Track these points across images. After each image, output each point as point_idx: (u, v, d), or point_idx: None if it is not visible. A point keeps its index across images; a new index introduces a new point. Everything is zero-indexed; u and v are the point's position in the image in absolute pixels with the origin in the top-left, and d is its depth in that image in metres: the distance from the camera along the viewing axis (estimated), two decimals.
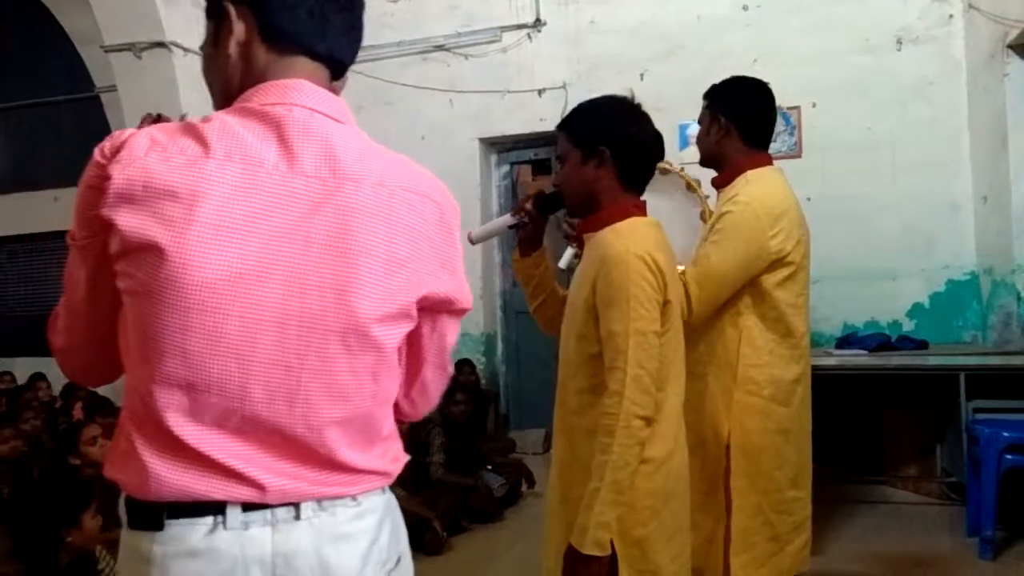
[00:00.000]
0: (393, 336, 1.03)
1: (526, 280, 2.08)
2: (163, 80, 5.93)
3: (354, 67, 1.17)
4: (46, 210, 7.62)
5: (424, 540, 3.65)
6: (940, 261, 4.96)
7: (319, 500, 1.03)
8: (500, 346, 5.87)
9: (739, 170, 2.19)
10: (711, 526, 2.09)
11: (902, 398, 4.52)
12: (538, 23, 5.83)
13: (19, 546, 2.37)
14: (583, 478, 1.66)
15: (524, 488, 4.70)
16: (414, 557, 1.20)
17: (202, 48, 1.12)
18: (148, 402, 0.96)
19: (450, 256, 1.10)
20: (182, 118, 1.05)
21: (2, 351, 7.63)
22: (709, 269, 2.05)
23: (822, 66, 5.10)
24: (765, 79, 2.30)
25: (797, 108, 5.18)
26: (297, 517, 1.01)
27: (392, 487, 1.14)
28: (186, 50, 5.99)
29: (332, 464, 1.03)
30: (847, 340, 4.76)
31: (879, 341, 4.51)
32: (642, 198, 1.84)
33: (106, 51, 6.01)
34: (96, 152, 0.98)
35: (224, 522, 0.98)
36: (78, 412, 4.99)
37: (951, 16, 4.97)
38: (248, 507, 0.99)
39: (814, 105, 5.16)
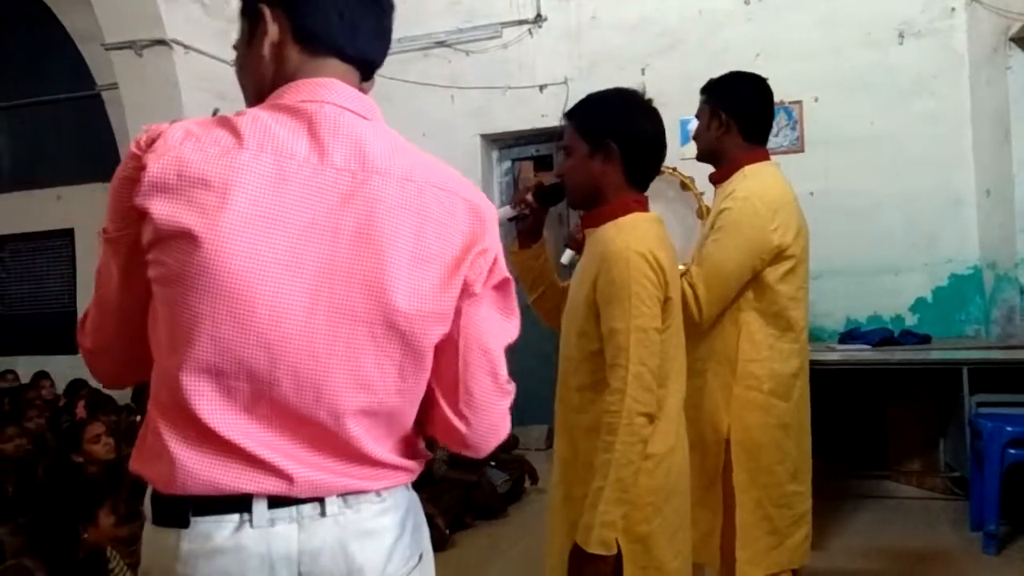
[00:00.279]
0: (422, 331, 1.02)
1: (525, 272, 2.07)
2: (164, 78, 5.93)
3: None
4: (48, 209, 7.64)
5: None
6: (943, 255, 4.95)
7: (344, 496, 1.03)
8: None
9: (737, 166, 2.19)
10: (710, 521, 2.10)
11: (905, 393, 4.52)
12: (539, 19, 5.83)
13: (36, 542, 2.39)
14: (585, 475, 1.66)
15: (527, 484, 4.72)
16: None
17: (235, 47, 1.14)
18: (176, 391, 0.97)
19: (483, 237, 1.08)
20: (214, 113, 1.08)
21: (5, 350, 7.64)
22: (714, 268, 2.05)
23: (824, 61, 5.09)
24: (767, 74, 2.29)
25: (799, 103, 5.17)
26: (323, 514, 1.02)
27: None
28: (187, 48, 5.99)
29: (358, 456, 1.03)
30: (850, 335, 4.76)
31: (882, 336, 4.50)
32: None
33: (107, 49, 6.01)
34: (132, 145, 1.00)
35: (251, 520, 0.99)
36: (81, 410, 5.00)
37: (953, 9, 4.96)
38: (274, 503, 1.00)
39: (816, 100, 5.16)
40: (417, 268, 1.01)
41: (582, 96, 1.87)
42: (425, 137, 5.49)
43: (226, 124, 0.99)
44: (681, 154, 4.53)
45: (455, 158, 5.97)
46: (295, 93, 1.04)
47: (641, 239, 1.68)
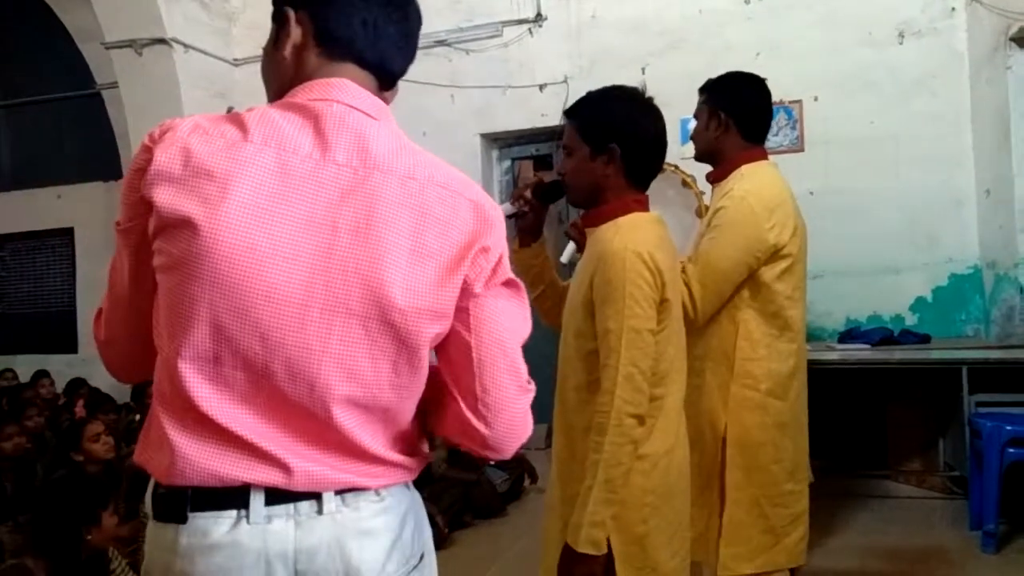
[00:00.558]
0: (416, 327, 1.02)
1: (525, 270, 2.06)
2: (164, 76, 5.93)
3: None
4: (48, 207, 7.63)
5: None
6: (943, 255, 4.95)
7: (342, 493, 1.04)
8: None
9: (735, 165, 2.19)
10: (706, 519, 2.10)
11: (905, 392, 4.52)
12: (539, 18, 5.82)
13: (39, 542, 2.40)
14: (582, 475, 1.66)
15: (527, 483, 4.72)
16: None
17: (264, 49, 1.16)
18: (175, 378, 0.99)
19: (487, 235, 1.07)
20: (229, 110, 1.09)
21: (4, 348, 7.64)
22: (709, 266, 2.06)
23: (824, 60, 5.09)
24: (767, 73, 2.29)
25: (799, 102, 5.17)
26: (320, 512, 1.03)
27: None
28: (187, 46, 5.99)
29: (355, 451, 1.04)
30: (850, 334, 4.76)
31: (882, 335, 4.50)
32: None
33: (107, 48, 6.01)
34: (146, 137, 1.02)
35: (247, 516, 1.00)
36: (80, 409, 5.00)
37: (953, 9, 4.96)
38: (271, 499, 1.00)
39: (816, 99, 5.15)
40: (415, 264, 1.01)
41: (581, 96, 1.86)
42: (425, 136, 5.49)
43: (235, 119, 1.02)
44: (681, 153, 4.52)
45: (455, 157, 5.93)
46: (308, 92, 1.06)
47: (639, 240, 1.68)
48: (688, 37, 5.42)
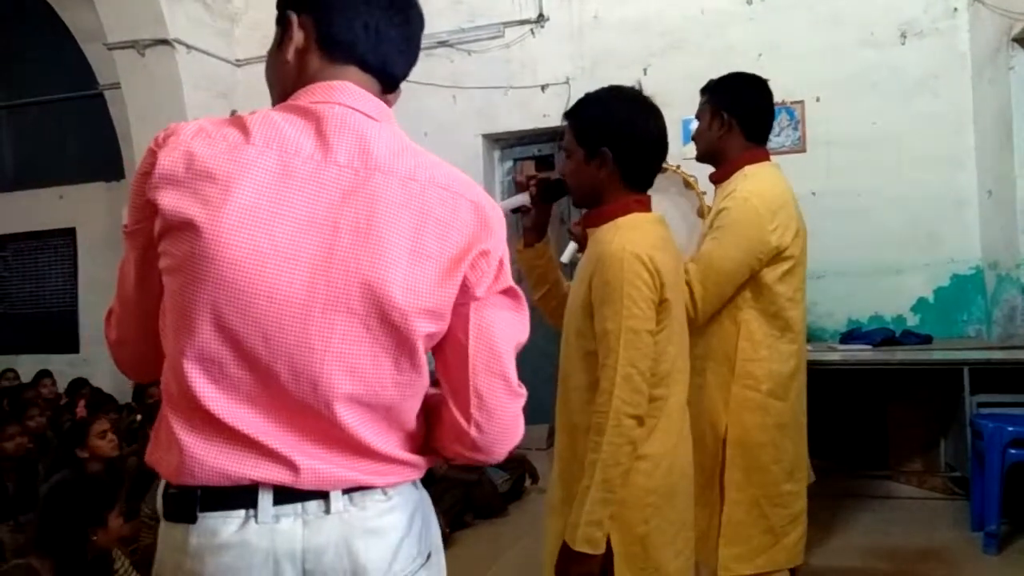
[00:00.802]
0: (417, 327, 1.03)
1: (529, 270, 2.07)
2: (167, 77, 5.94)
3: None
4: (50, 208, 7.65)
5: None
6: (945, 256, 4.95)
7: (350, 492, 1.05)
8: None
9: (737, 166, 2.20)
10: (707, 519, 2.10)
11: (906, 393, 4.51)
12: (541, 18, 5.82)
13: (44, 543, 2.40)
14: (583, 475, 1.66)
15: (528, 483, 4.72)
16: None
17: (268, 52, 1.18)
18: (181, 378, 1.00)
19: (487, 238, 1.08)
20: (232, 113, 1.11)
21: (7, 348, 7.65)
22: (711, 266, 2.06)
23: (826, 60, 5.09)
24: (769, 74, 2.30)
25: (801, 102, 5.17)
26: (327, 511, 1.03)
27: None
28: (189, 47, 6.00)
29: (361, 449, 1.05)
30: (851, 335, 4.76)
31: (883, 336, 4.50)
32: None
33: (110, 48, 6.02)
34: (151, 142, 1.04)
35: (256, 515, 1.01)
36: (82, 409, 5.00)
37: (956, 9, 4.95)
38: (279, 499, 1.02)
39: (818, 99, 5.15)
40: (414, 264, 1.02)
41: (581, 97, 1.86)
42: (427, 137, 5.50)
43: (237, 122, 1.03)
44: (683, 154, 4.53)
45: (457, 158, 5.94)
46: (310, 95, 1.07)
47: (638, 240, 1.68)
48: (690, 38, 5.42)
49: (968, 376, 3.82)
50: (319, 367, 1.00)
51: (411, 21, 1.15)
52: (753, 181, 2.14)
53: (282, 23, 1.14)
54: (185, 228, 0.97)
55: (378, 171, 1.03)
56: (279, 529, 1.02)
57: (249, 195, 0.98)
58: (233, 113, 1.12)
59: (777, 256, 2.09)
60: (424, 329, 1.04)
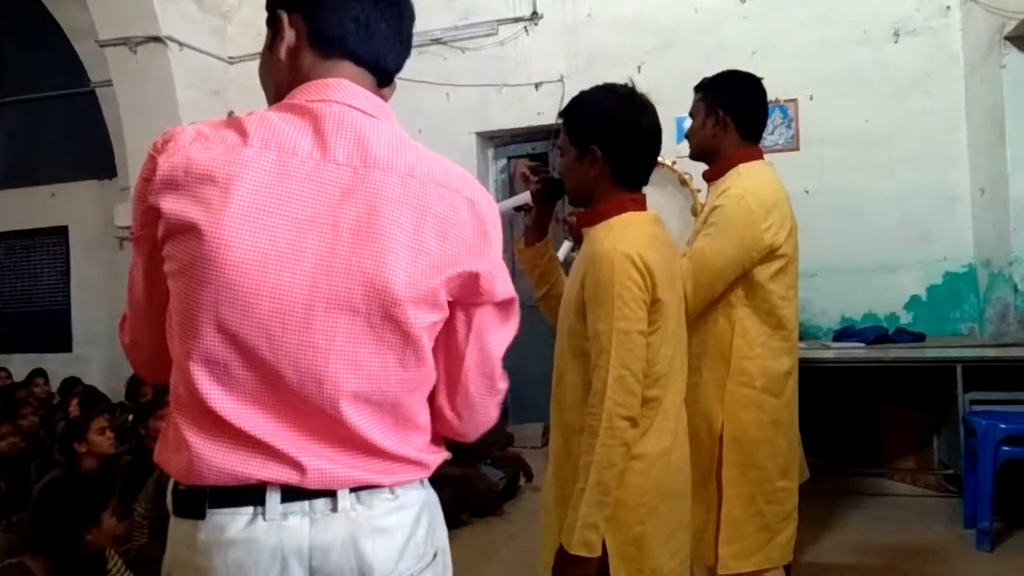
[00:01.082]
0: (418, 320, 1.04)
1: (531, 269, 2.07)
2: (159, 75, 5.92)
3: None
4: (42, 206, 7.61)
5: None
6: (937, 253, 4.96)
7: (357, 491, 1.05)
8: None
9: (731, 163, 2.20)
10: (703, 517, 2.11)
11: (899, 390, 4.53)
12: (535, 16, 5.82)
13: (39, 541, 2.40)
14: (577, 475, 1.66)
15: (522, 482, 4.72)
16: None
17: (261, 54, 1.18)
18: (188, 381, 1.01)
19: (483, 246, 1.10)
20: (230, 115, 1.11)
21: None
22: (704, 263, 2.06)
23: (819, 58, 5.09)
24: (762, 72, 2.30)
25: (794, 100, 5.17)
26: (334, 509, 1.04)
27: None
28: (182, 44, 5.97)
29: (367, 448, 1.05)
30: (844, 333, 4.76)
31: (876, 334, 4.51)
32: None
33: (101, 46, 5.99)
34: (151, 147, 1.04)
35: (264, 513, 1.02)
36: (75, 408, 4.98)
37: (948, 7, 4.96)
38: (287, 496, 1.03)
39: (811, 98, 5.15)
40: (414, 260, 1.03)
41: (575, 95, 1.86)
42: (421, 135, 5.49)
43: (234, 124, 1.03)
44: (677, 152, 4.53)
45: (450, 156, 5.82)
46: (306, 93, 1.07)
47: (629, 240, 1.67)
48: (684, 36, 5.42)
49: (961, 373, 3.84)
50: (324, 366, 1.01)
51: (402, 14, 1.15)
52: (747, 179, 2.14)
53: (272, 24, 1.14)
54: (187, 231, 0.98)
55: (377, 168, 1.04)
56: (286, 526, 1.02)
57: (249, 196, 0.98)
58: (230, 114, 1.11)
59: (770, 254, 2.10)
60: (426, 320, 1.05)
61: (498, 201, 1.26)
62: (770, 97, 2.30)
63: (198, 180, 0.99)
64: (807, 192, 4.81)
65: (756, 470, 2.10)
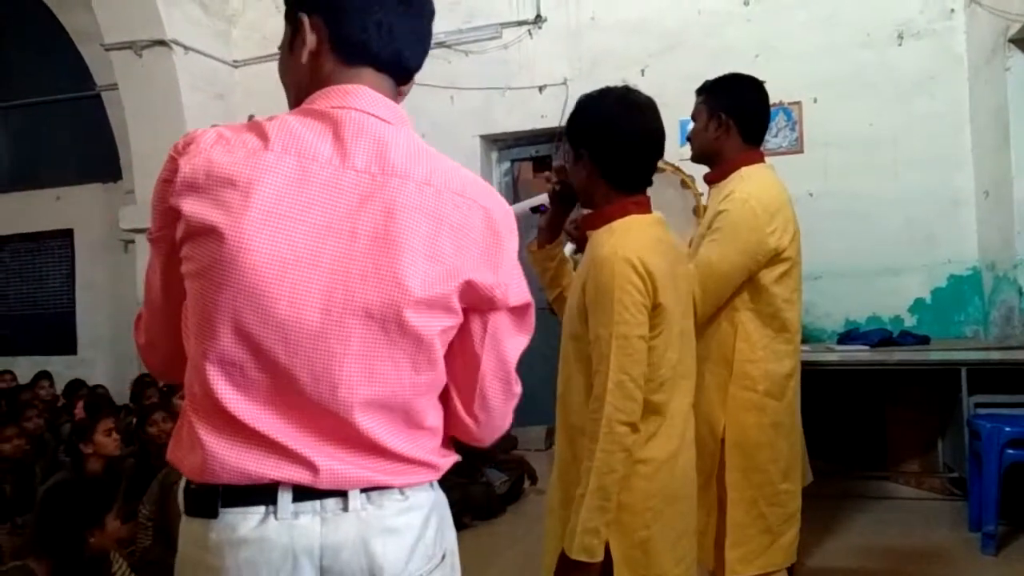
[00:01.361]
0: (432, 326, 1.05)
1: (541, 272, 2.07)
2: (164, 78, 5.93)
3: None
4: (48, 209, 7.64)
5: None
6: (942, 256, 4.95)
7: (367, 491, 1.06)
8: None
9: (733, 166, 2.20)
10: (704, 520, 2.11)
11: (904, 393, 4.52)
12: (539, 19, 5.83)
13: (42, 544, 2.40)
14: (581, 478, 1.66)
15: (526, 485, 4.71)
16: None
17: (280, 48, 1.18)
18: (203, 381, 1.02)
19: (495, 255, 1.10)
20: (250, 118, 1.11)
21: (3, 350, 7.64)
22: (711, 269, 2.06)
23: (823, 61, 5.09)
24: (766, 74, 2.30)
25: (798, 103, 5.17)
26: (345, 509, 1.05)
27: None
28: (187, 48, 5.99)
29: (378, 450, 1.06)
30: (849, 336, 4.76)
31: (881, 336, 4.50)
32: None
33: (107, 49, 6.01)
34: (171, 149, 1.05)
35: (275, 512, 1.03)
36: (80, 411, 4.99)
37: (952, 10, 4.96)
38: (299, 496, 1.04)
39: (815, 100, 5.15)
40: (429, 268, 1.04)
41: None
42: (425, 138, 5.37)
43: (255, 128, 1.04)
44: (681, 155, 4.52)
45: (454, 159, 5.89)
46: (325, 99, 1.08)
47: (630, 244, 1.66)
48: (687, 38, 5.42)
49: (966, 377, 3.82)
50: (338, 370, 1.02)
51: (422, 12, 1.16)
52: (750, 183, 2.15)
53: (292, 21, 1.14)
54: (207, 234, 0.99)
55: (395, 176, 1.05)
56: (298, 525, 1.03)
57: (269, 200, 0.99)
58: (251, 118, 1.12)
59: (775, 258, 2.10)
60: (439, 325, 1.06)
61: (511, 203, 1.26)
62: (774, 100, 2.31)
63: (219, 183, 1.00)
64: (811, 195, 4.81)
65: (758, 473, 2.10)
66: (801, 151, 5.19)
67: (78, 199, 7.53)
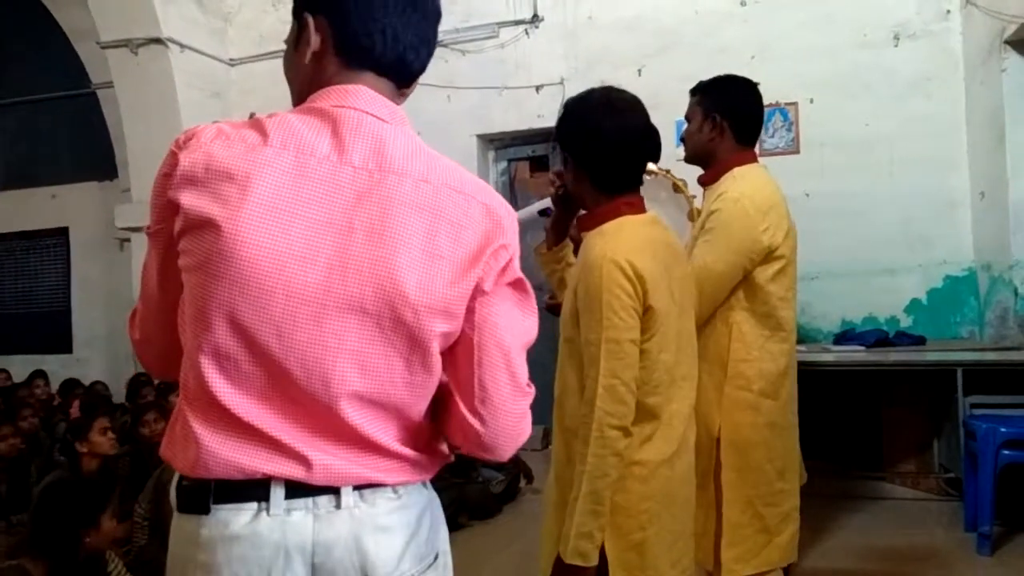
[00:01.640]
0: (428, 327, 1.04)
1: (550, 274, 2.07)
2: (160, 76, 5.92)
3: None
4: (43, 207, 7.62)
5: None
6: (938, 257, 4.96)
7: (360, 489, 1.06)
8: None
9: (726, 167, 2.21)
10: (702, 520, 2.10)
11: (900, 394, 4.52)
12: (535, 19, 5.82)
13: (37, 544, 2.40)
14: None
15: (522, 484, 4.71)
16: None
17: (285, 42, 1.18)
18: (198, 374, 1.02)
19: (500, 233, 1.09)
20: (251, 116, 1.12)
21: None
22: (706, 271, 2.07)
23: (820, 62, 5.10)
24: (762, 75, 2.31)
25: (795, 104, 5.17)
26: (338, 506, 1.05)
27: None
28: (183, 46, 5.98)
29: (371, 446, 1.06)
30: (845, 336, 4.77)
31: (877, 337, 4.51)
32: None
33: (103, 47, 6.00)
34: (172, 144, 1.06)
35: (268, 508, 1.03)
36: (75, 410, 4.98)
37: (948, 11, 4.97)
38: (291, 492, 1.03)
39: (812, 101, 5.16)
40: (428, 265, 1.03)
41: None
42: (421, 137, 5.39)
43: (256, 124, 1.05)
44: (676, 155, 4.52)
45: (451, 158, 5.88)
46: (325, 98, 1.09)
47: (619, 247, 1.64)
48: (684, 38, 5.42)
49: (961, 377, 3.83)
50: (331, 365, 1.02)
51: (427, 15, 1.15)
52: (742, 182, 2.15)
53: (298, 19, 1.14)
54: (205, 227, 0.99)
55: (392, 173, 1.05)
56: (290, 522, 1.03)
57: (266, 194, 0.99)
58: (252, 115, 1.13)
59: (769, 256, 2.11)
60: (438, 329, 1.05)
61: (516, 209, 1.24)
62: (770, 100, 2.32)
63: (218, 177, 1.00)
64: (807, 195, 4.81)
65: (753, 472, 2.10)
66: (797, 151, 5.19)
67: (74, 197, 7.51)
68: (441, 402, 1.15)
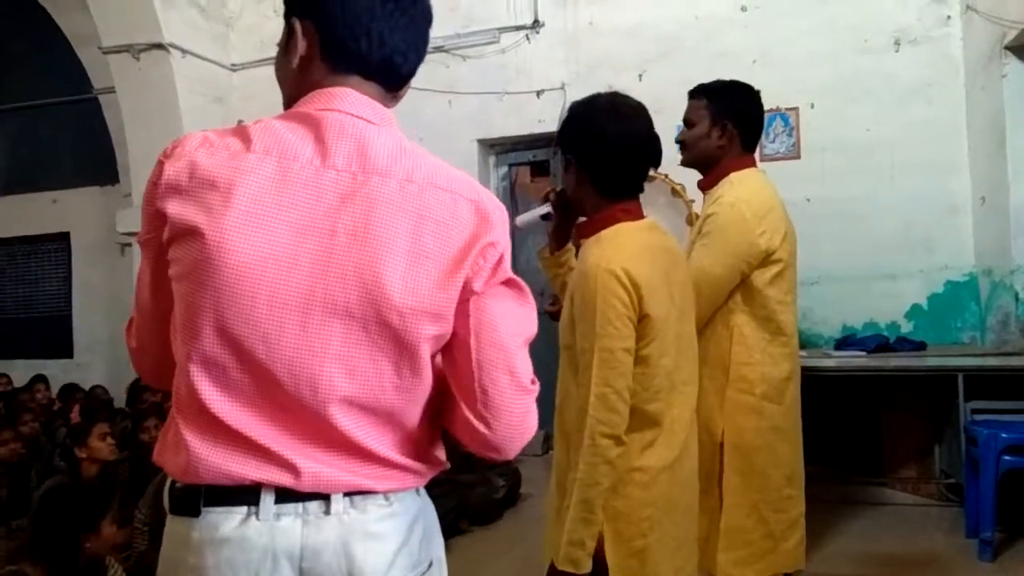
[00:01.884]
0: (415, 330, 1.03)
1: (553, 278, 2.06)
2: (161, 82, 5.93)
3: None
4: (45, 212, 7.63)
5: None
6: (939, 262, 4.96)
7: (350, 495, 1.06)
8: None
9: (725, 172, 2.22)
10: (706, 525, 2.10)
11: (901, 399, 4.52)
12: (536, 24, 5.83)
13: (38, 549, 2.40)
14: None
15: (523, 490, 4.70)
16: None
17: (278, 44, 1.18)
18: (188, 382, 1.03)
19: (488, 229, 1.08)
20: (239, 123, 1.13)
21: (0, 353, 7.61)
22: (704, 275, 2.07)
23: (820, 67, 5.11)
24: (763, 80, 2.32)
25: (795, 109, 5.18)
26: (327, 512, 1.05)
27: None
28: (184, 52, 5.99)
29: (361, 453, 1.06)
30: (846, 341, 4.76)
31: (878, 342, 4.51)
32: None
33: (104, 53, 6.01)
34: (160, 153, 1.07)
35: (257, 512, 1.03)
36: (76, 415, 4.98)
37: (949, 17, 4.98)
38: (281, 498, 1.03)
39: (812, 106, 5.17)
40: (414, 266, 1.02)
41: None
42: (422, 142, 5.41)
43: (240, 132, 1.06)
44: (677, 159, 4.53)
45: (452, 163, 5.90)
46: (310, 102, 1.09)
47: (615, 255, 1.64)
48: (684, 44, 5.43)
49: (962, 383, 3.83)
50: (318, 369, 1.01)
51: (416, 19, 1.15)
52: (739, 187, 2.16)
53: (288, 24, 1.14)
54: (190, 235, 1.00)
55: (375, 174, 1.04)
56: (279, 526, 1.03)
57: (249, 201, 0.99)
58: (240, 123, 1.13)
59: (766, 259, 2.11)
60: (426, 332, 1.04)
61: (508, 208, 1.24)
62: (771, 105, 2.33)
63: (201, 185, 1.01)
64: (808, 200, 4.81)
65: (759, 477, 2.10)
66: (798, 156, 5.20)
67: (75, 202, 7.52)
68: (446, 404, 1.14)
